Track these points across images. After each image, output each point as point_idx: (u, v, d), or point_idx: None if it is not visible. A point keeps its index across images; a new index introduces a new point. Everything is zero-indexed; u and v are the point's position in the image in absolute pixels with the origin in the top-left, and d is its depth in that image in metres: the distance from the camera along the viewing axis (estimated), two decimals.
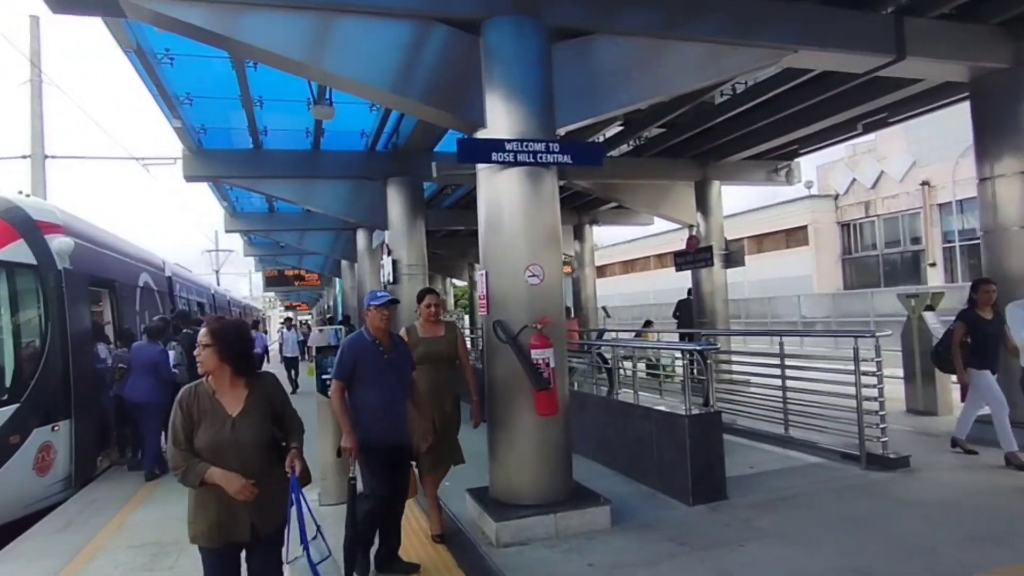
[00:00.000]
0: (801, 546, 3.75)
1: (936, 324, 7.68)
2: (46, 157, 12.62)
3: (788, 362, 6.22)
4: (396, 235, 9.89)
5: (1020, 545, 3.61)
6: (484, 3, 4.40)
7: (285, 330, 14.70)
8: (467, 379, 4.21)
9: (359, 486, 3.52)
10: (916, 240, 21.35)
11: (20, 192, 7.01)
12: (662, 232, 24.91)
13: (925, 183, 20.47)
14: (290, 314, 24.73)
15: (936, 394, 7.47)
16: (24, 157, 12.41)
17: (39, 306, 5.96)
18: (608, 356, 7.06)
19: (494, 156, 4.17)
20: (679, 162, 11.03)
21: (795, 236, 24.84)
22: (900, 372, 7.82)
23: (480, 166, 4.41)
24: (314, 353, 5.56)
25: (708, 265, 11.04)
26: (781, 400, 6.24)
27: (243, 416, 2.40)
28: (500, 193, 4.35)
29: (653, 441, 5.04)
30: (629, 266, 35.72)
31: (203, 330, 2.45)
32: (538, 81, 4.38)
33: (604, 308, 17.38)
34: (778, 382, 6.26)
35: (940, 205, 20.26)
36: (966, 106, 6.75)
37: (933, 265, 20.37)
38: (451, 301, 30.44)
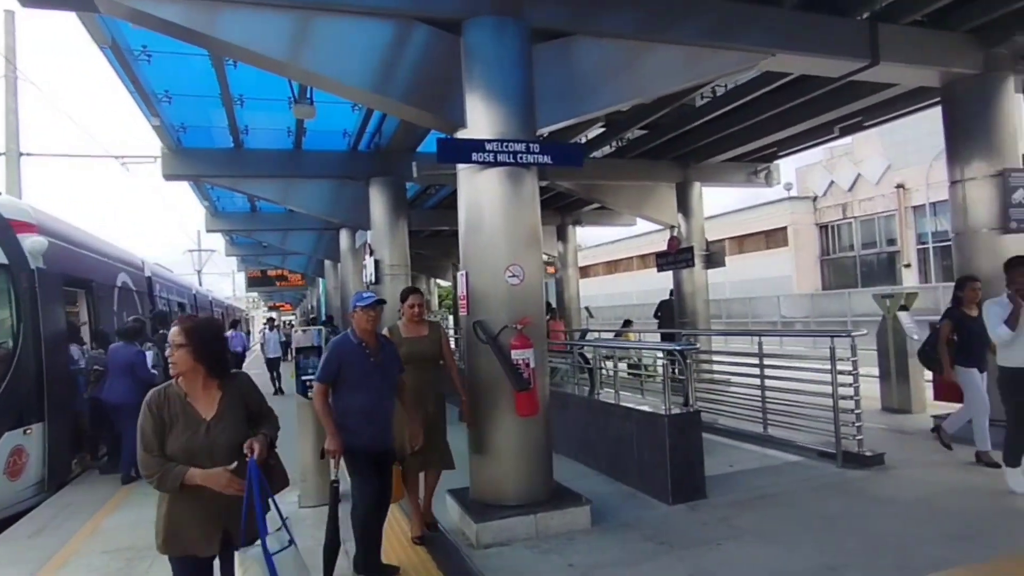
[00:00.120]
0: (778, 544, 3.80)
1: (910, 324, 7.86)
2: (21, 154, 12.32)
3: (766, 362, 6.31)
4: (378, 235, 9.83)
5: (989, 541, 3.69)
6: (465, 3, 4.40)
7: (267, 330, 14.53)
8: (453, 379, 4.18)
9: (344, 488, 3.48)
10: (891, 241, 21.81)
11: None
12: (645, 233, 25.11)
13: (900, 186, 20.92)
14: (273, 315, 24.38)
15: (910, 392, 7.63)
16: None
17: (11, 307, 5.82)
18: (589, 356, 7.09)
19: (474, 156, 4.17)
20: (661, 163, 11.13)
21: (775, 237, 25.22)
22: (876, 371, 7.97)
23: (460, 166, 4.41)
24: (294, 354, 5.52)
25: (689, 266, 11.15)
26: (760, 399, 6.33)
27: (218, 420, 2.32)
28: (480, 193, 4.35)
29: (633, 441, 5.07)
30: (613, 266, 35.93)
31: (175, 329, 2.34)
32: (519, 81, 4.38)
33: (587, 308, 17.47)
34: (757, 382, 6.35)
35: (914, 207, 20.72)
36: (939, 110, 6.90)
37: (908, 266, 20.82)
38: (435, 301, 30.35)
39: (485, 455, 4.32)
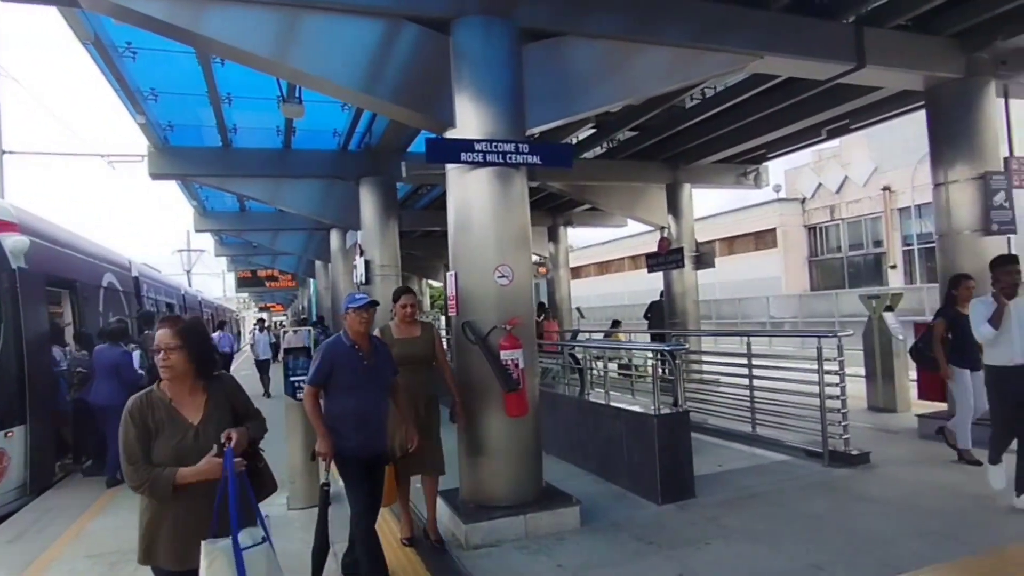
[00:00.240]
0: (765, 543, 3.82)
1: (895, 324, 7.96)
2: (4, 153, 12.15)
3: (755, 362, 6.36)
4: (369, 235, 9.79)
5: (970, 538, 3.74)
6: (454, 3, 4.39)
7: (257, 331, 14.39)
8: (447, 381, 4.12)
9: (335, 489, 3.42)
10: (878, 243, 22.07)
11: None
12: (636, 234, 25.22)
13: (886, 188, 21.17)
14: (264, 315, 24.15)
15: (895, 392, 7.72)
16: None
17: None
18: (580, 356, 7.11)
19: (463, 156, 4.16)
20: (651, 165, 11.18)
21: (764, 239, 25.42)
22: (862, 371, 8.06)
23: (449, 166, 4.40)
24: (282, 355, 5.49)
25: (679, 267, 11.21)
26: (749, 399, 6.37)
27: (205, 424, 2.24)
28: (469, 193, 4.34)
29: (623, 441, 5.09)
30: (604, 267, 36.05)
31: (166, 331, 2.21)
32: (508, 81, 4.38)
33: (578, 309, 17.51)
34: (746, 382, 6.39)
35: (900, 209, 20.99)
36: (923, 114, 6.98)
37: (894, 267, 21.08)
38: (427, 302, 30.28)
39: (474, 456, 4.31)
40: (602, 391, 5.83)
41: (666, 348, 6.25)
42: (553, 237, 16.48)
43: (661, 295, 12.11)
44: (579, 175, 11.13)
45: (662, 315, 11.89)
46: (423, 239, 18.33)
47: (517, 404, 4.10)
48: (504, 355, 4.09)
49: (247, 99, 7.55)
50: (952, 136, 6.48)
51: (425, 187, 12.93)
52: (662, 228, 11.97)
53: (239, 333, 38.45)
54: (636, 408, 5.19)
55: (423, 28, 4.42)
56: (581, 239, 34.88)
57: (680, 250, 11.22)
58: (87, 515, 5.22)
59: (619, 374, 8.44)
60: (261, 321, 15.21)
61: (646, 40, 5.04)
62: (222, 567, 2.09)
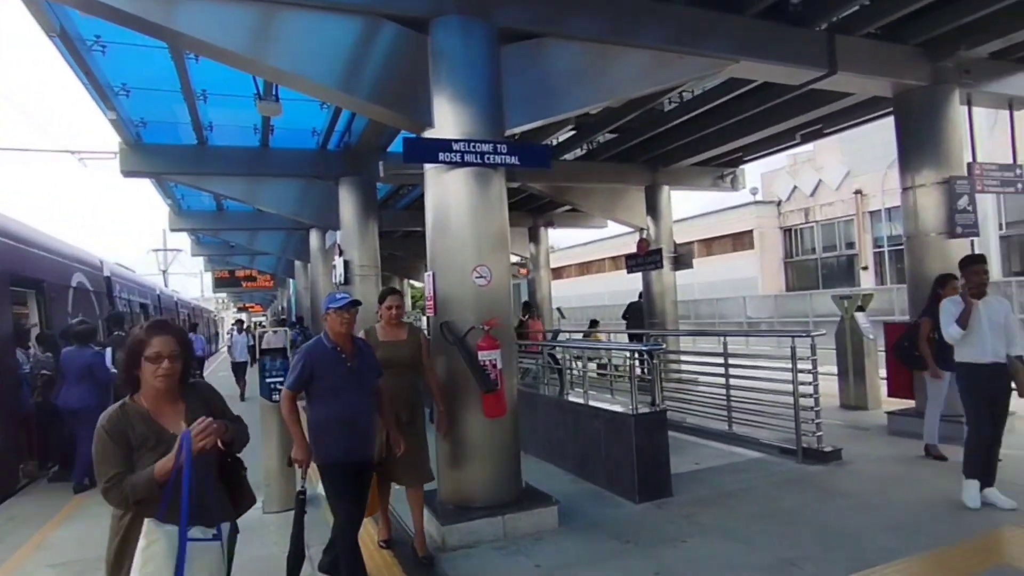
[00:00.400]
0: (739, 540, 3.88)
1: (866, 324, 8.15)
2: None
3: (731, 361, 6.46)
4: (348, 235, 9.71)
5: (936, 531, 3.84)
6: (432, 2, 4.38)
7: (235, 332, 14.12)
8: (431, 386, 3.98)
9: (312, 493, 3.35)
10: (850, 245, 22.57)
11: None
12: (617, 235, 25.39)
13: (858, 192, 21.68)
14: (243, 316, 23.60)
15: (866, 390, 7.92)
16: None
17: None
18: (559, 356, 7.14)
19: (441, 156, 4.15)
20: (630, 167, 11.28)
21: (741, 240, 25.82)
22: (835, 369, 8.24)
23: (428, 166, 4.38)
24: (258, 356, 5.41)
25: (658, 267, 11.34)
26: (725, 398, 6.47)
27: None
28: (447, 194, 4.33)
29: (601, 441, 5.12)
30: (585, 268, 36.24)
31: (168, 338, 2.06)
32: (486, 82, 4.39)
33: (559, 309, 17.58)
34: (722, 381, 6.49)
35: (871, 212, 21.51)
36: (893, 120, 7.17)
37: (865, 268, 21.59)
38: (408, 303, 30.09)
39: (452, 457, 4.30)
40: (581, 391, 5.86)
41: (644, 348, 6.31)
42: (534, 238, 16.53)
43: (640, 296, 12.22)
44: (559, 176, 11.18)
45: (640, 316, 12.01)
46: (404, 239, 18.23)
47: (495, 405, 4.10)
48: (482, 355, 4.09)
49: (223, 96, 7.42)
50: (919, 142, 6.67)
51: (406, 187, 12.86)
52: (641, 229, 12.09)
53: (217, 334, 37.82)
54: (614, 408, 5.22)
55: (401, 27, 4.41)
56: (562, 240, 35.08)
57: (659, 251, 11.35)
58: (51, 523, 5.07)
59: (598, 374, 8.49)
60: (240, 322, 14.90)
61: (624, 43, 5.09)
62: (160, 551, 1.90)
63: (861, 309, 8.27)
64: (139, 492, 1.95)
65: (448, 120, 4.30)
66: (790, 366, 5.60)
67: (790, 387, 5.58)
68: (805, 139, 10.04)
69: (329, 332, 3.24)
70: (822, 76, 6.01)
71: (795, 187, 24.53)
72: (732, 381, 6.40)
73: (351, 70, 4.37)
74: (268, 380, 5.11)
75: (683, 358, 9.21)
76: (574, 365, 7.03)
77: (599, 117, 8.89)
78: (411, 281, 26.03)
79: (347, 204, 9.70)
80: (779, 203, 25.13)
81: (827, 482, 4.98)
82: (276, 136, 9.07)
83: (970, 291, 4.27)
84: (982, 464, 4.21)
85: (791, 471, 5.33)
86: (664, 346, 8.13)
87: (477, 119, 4.30)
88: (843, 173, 22.35)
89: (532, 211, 15.82)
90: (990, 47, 6.33)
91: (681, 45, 5.30)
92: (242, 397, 12.24)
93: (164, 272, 35.68)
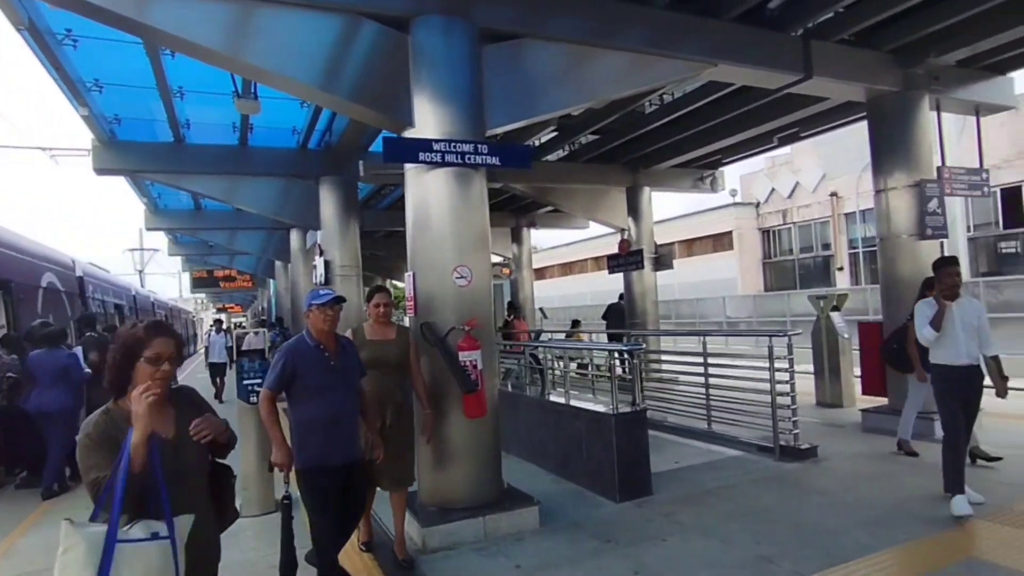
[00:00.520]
0: (718, 538, 3.92)
1: (841, 324, 8.32)
2: None
3: (710, 361, 6.54)
4: (329, 235, 9.62)
5: (909, 526, 3.93)
6: (413, 1, 4.36)
7: (213, 333, 13.85)
8: (416, 389, 3.87)
9: (297, 495, 3.20)
10: (826, 246, 22.99)
11: None
12: (599, 236, 25.52)
13: (833, 194, 22.09)
14: (222, 316, 23.08)
15: (841, 388, 8.08)
16: None
17: None
18: (540, 357, 7.15)
19: (421, 156, 4.13)
20: (612, 168, 11.36)
21: (721, 241, 26.13)
22: (811, 368, 8.39)
23: (408, 166, 4.36)
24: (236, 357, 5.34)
25: (639, 268, 11.43)
26: (704, 397, 6.54)
27: (178, 439, 2.00)
28: (428, 194, 4.32)
29: (582, 440, 5.15)
30: (567, 268, 36.36)
31: (168, 340, 1.98)
32: (467, 82, 4.38)
33: (541, 309, 17.62)
34: (702, 380, 6.56)
35: (846, 214, 21.94)
36: (866, 124, 7.34)
37: (841, 269, 22.01)
38: None
39: (433, 458, 4.28)
40: (563, 391, 5.88)
41: (624, 348, 6.35)
42: (517, 238, 16.55)
43: (620, 298, 12.32)
44: (541, 177, 11.21)
45: (619, 317, 12.12)
46: (387, 239, 18.10)
47: (476, 405, 4.10)
48: (462, 356, 4.08)
49: (200, 93, 7.30)
50: (891, 146, 6.83)
51: (388, 187, 12.78)
52: (623, 230, 12.17)
53: (195, 335, 37.16)
54: (595, 408, 5.24)
55: (382, 26, 4.38)
56: (545, 240, 35.15)
57: (640, 252, 11.44)
58: (19, 530, 4.93)
59: (578, 374, 8.54)
60: (218, 322, 14.62)
61: (604, 45, 5.12)
62: (77, 557, 1.69)
63: (836, 309, 8.44)
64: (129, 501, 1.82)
65: (429, 120, 4.29)
66: (768, 365, 5.68)
67: (768, 386, 5.67)
68: (782, 142, 10.21)
69: (312, 330, 3.12)
70: (798, 80, 6.13)
71: (773, 189, 24.91)
72: (711, 380, 6.47)
73: (331, 69, 4.33)
74: (245, 382, 5.05)
75: (664, 358, 9.30)
76: (555, 365, 7.05)
77: (581, 118, 8.94)
78: (393, 281, 25.87)
79: (328, 204, 9.61)
80: (758, 205, 25.50)
81: (804, 479, 5.07)
82: (255, 134, 8.94)
83: (943, 293, 4.24)
84: (962, 475, 4.12)
85: (769, 469, 5.41)
86: (644, 346, 8.19)
87: (458, 119, 4.30)
88: (819, 176, 22.77)
89: (515, 211, 15.84)
90: (958, 55, 6.52)
91: (660, 48, 5.36)
92: (220, 399, 12.04)
93: (140, 272, 34.97)
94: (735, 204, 25.95)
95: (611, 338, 11.17)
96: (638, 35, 5.25)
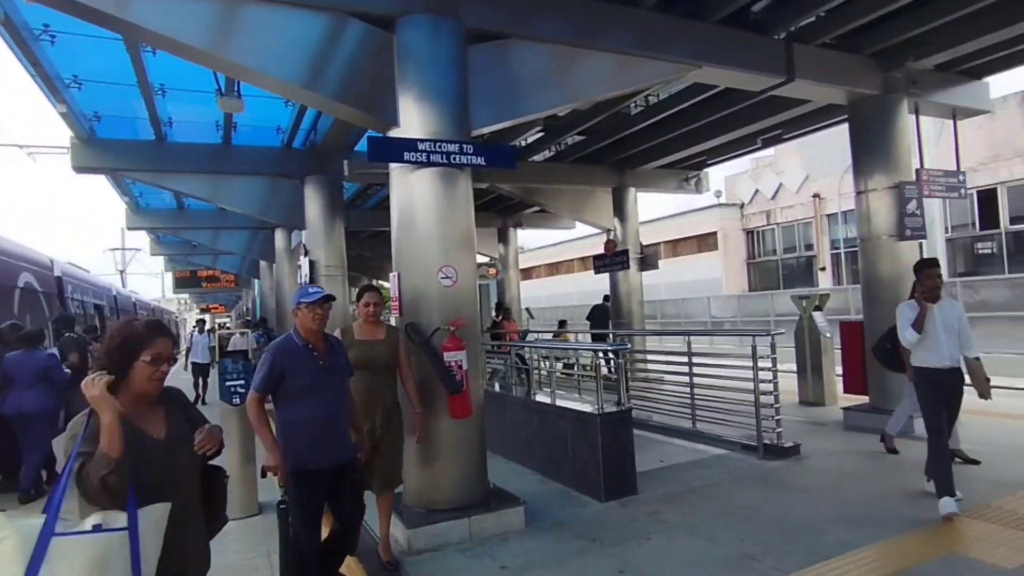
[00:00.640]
0: (702, 536, 3.96)
1: (823, 323, 8.44)
2: None
3: (694, 360, 6.59)
4: (314, 235, 9.53)
5: (889, 523, 3.99)
6: (399, 0, 4.34)
7: (196, 333, 13.66)
8: (407, 390, 3.78)
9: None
10: (809, 247, 23.32)
11: None
12: (585, 236, 25.63)
13: (816, 195, 22.42)
14: (205, 317, 22.67)
15: (824, 386, 8.19)
16: None
17: None
18: (526, 357, 7.16)
19: (406, 156, 4.12)
20: (598, 168, 11.42)
21: (706, 241, 26.39)
22: (794, 367, 8.50)
23: (393, 166, 4.34)
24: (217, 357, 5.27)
25: (625, 268, 11.50)
26: (689, 396, 6.60)
27: (172, 438, 1.96)
28: (413, 193, 4.30)
29: (568, 440, 5.16)
30: (554, 268, 36.47)
31: (165, 340, 1.96)
32: (453, 81, 4.37)
33: (527, 309, 17.64)
34: (687, 379, 6.61)
35: (828, 215, 22.27)
36: (847, 126, 7.45)
37: (823, 269, 22.34)
38: None
39: (418, 459, 4.26)
40: (548, 391, 5.90)
41: (610, 348, 6.38)
42: (503, 238, 16.56)
43: (605, 299, 12.38)
44: (528, 177, 11.22)
45: (603, 318, 12.19)
46: (373, 239, 18.00)
47: (461, 406, 4.09)
48: (447, 356, 4.07)
49: (183, 91, 7.18)
50: (871, 148, 6.94)
51: (374, 187, 12.71)
52: (609, 231, 12.23)
53: (179, 336, 36.61)
54: (580, 407, 5.26)
55: (368, 25, 4.35)
56: (532, 241, 35.22)
57: (625, 252, 11.51)
58: None
59: (564, 374, 8.56)
60: (201, 322, 14.40)
61: (590, 46, 5.14)
62: (8, 551, 1.59)
63: (819, 308, 8.56)
64: (94, 468, 1.74)
65: (414, 120, 4.27)
66: (751, 364, 5.74)
67: (751, 385, 5.73)
68: (766, 144, 10.33)
69: (300, 329, 3.03)
70: (781, 83, 6.20)
71: (757, 190, 25.21)
72: (696, 380, 6.52)
73: (316, 67, 4.29)
74: (228, 383, 4.99)
75: (649, 357, 9.37)
76: (541, 365, 7.07)
77: (567, 119, 8.97)
78: (379, 281, 25.76)
79: (313, 203, 9.52)
80: (742, 206, 25.78)
81: (786, 477, 5.13)
82: (239, 133, 8.84)
83: (924, 295, 4.22)
84: (951, 478, 4.07)
85: (752, 467, 5.47)
86: (630, 346, 8.24)
87: (444, 119, 4.28)
88: (802, 177, 23.08)
89: (501, 212, 15.84)
90: (936, 59, 6.64)
91: (645, 49, 5.39)
92: (203, 401, 11.88)
93: (122, 272, 34.39)
94: (720, 205, 26.21)
95: (595, 338, 11.21)
96: (624, 36, 5.28)
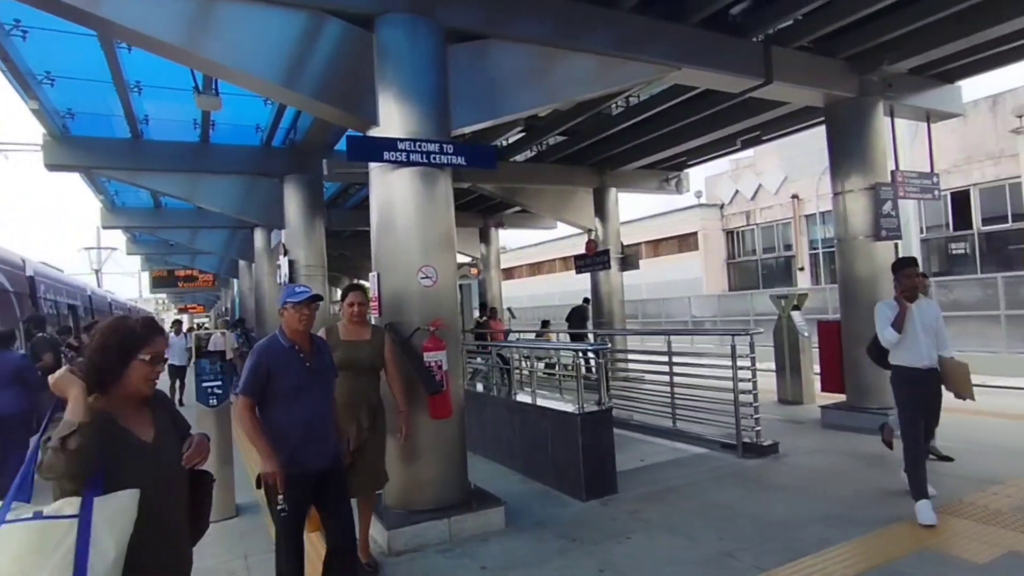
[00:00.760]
0: (682, 534, 3.99)
1: (801, 322, 8.56)
2: None
3: (674, 359, 6.64)
4: (294, 235, 9.43)
5: (866, 520, 4.05)
6: None
7: (173, 335, 13.39)
8: (393, 392, 3.72)
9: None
10: (788, 247, 23.66)
11: None
12: (567, 236, 25.73)
13: (795, 196, 22.76)
14: (183, 317, 22.12)
15: (802, 385, 8.32)
16: None
17: None
18: (507, 356, 7.16)
19: (386, 155, 4.09)
20: (579, 169, 11.46)
21: (687, 242, 26.63)
22: (773, 366, 8.61)
23: (373, 165, 4.32)
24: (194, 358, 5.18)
25: (606, 268, 11.56)
26: (669, 395, 6.65)
27: (160, 440, 1.88)
28: (393, 193, 4.28)
29: (548, 440, 5.17)
30: (536, 268, 36.51)
31: (163, 339, 1.92)
32: (432, 81, 4.35)
33: (509, 309, 17.65)
34: (667, 378, 6.66)
35: (807, 216, 22.63)
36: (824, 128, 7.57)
37: (802, 269, 22.69)
38: None
39: (397, 460, 4.22)
40: (529, 391, 5.90)
41: (591, 348, 6.41)
42: (485, 238, 16.54)
43: (585, 300, 12.45)
44: (509, 177, 11.23)
45: (581, 318, 12.26)
46: (353, 239, 17.85)
47: (441, 406, 4.07)
48: (427, 357, 4.05)
49: (159, 88, 7.05)
50: (847, 150, 7.07)
51: (354, 186, 12.61)
52: (590, 231, 12.29)
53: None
54: (561, 407, 5.27)
55: (347, 23, 4.32)
56: (513, 241, 35.22)
57: (607, 252, 11.57)
58: None
59: (545, 373, 8.58)
60: (177, 323, 14.12)
61: (570, 46, 5.16)
62: None
63: (797, 308, 8.69)
64: (59, 460, 1.59)
65: (394, 119, 4.25)
66: (731, 363, 5.80)
67: (731, 384, 5.79)
68: (745, 145, 10.46)
69: (286, 329, 2.95)
70: (759, 85, 6.28)
71: (737, 191, 25.51)
72: (676, 379, 6.58)
73: (294, 66, 4.24)
74: (205, 384, 4.91)
75: (630, 357, 9.42)
76: (523, 365, 7.07)
77: (548, 119, 8.99)
78: (360, 281, 25.60)
79: (292, 202, 9.42)
80: (722, 206, 26.07)
81: (765, 475, 5.20)
82: (218, 131, 8.70)
83: (903, 294, 4.16)
84: (925, 480, 4.02)
85: (732, 465, 5.53)
86: (610, 346, 8.28)
87: (423, 118, 4.27)
88: (781, 178, 23.42)
89: (483, 211, 15.83)
90: (910, 63, 6.78)
91: (625, 50, 5.42)
92: (180, 403, 11.67)
93: (97, 272, 33.65)
94: (700, 205, 26.47)
95: (574, 338, 11.26)
96: (604, 37, 5.30)
